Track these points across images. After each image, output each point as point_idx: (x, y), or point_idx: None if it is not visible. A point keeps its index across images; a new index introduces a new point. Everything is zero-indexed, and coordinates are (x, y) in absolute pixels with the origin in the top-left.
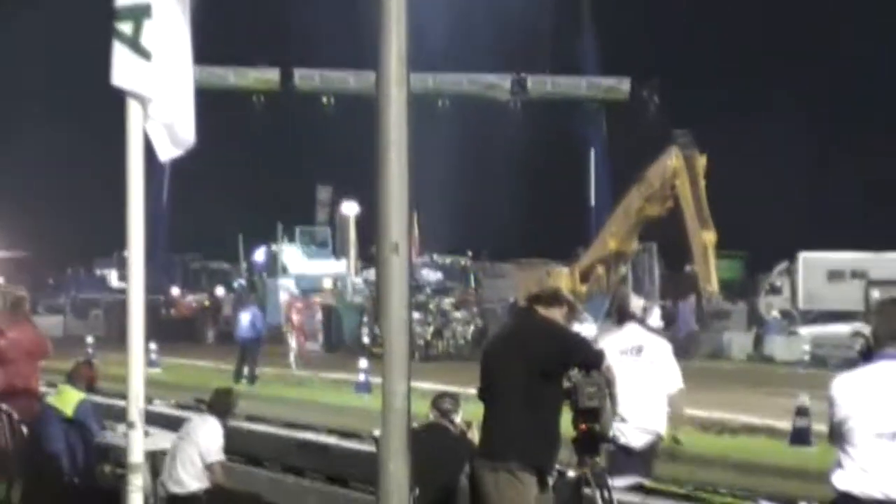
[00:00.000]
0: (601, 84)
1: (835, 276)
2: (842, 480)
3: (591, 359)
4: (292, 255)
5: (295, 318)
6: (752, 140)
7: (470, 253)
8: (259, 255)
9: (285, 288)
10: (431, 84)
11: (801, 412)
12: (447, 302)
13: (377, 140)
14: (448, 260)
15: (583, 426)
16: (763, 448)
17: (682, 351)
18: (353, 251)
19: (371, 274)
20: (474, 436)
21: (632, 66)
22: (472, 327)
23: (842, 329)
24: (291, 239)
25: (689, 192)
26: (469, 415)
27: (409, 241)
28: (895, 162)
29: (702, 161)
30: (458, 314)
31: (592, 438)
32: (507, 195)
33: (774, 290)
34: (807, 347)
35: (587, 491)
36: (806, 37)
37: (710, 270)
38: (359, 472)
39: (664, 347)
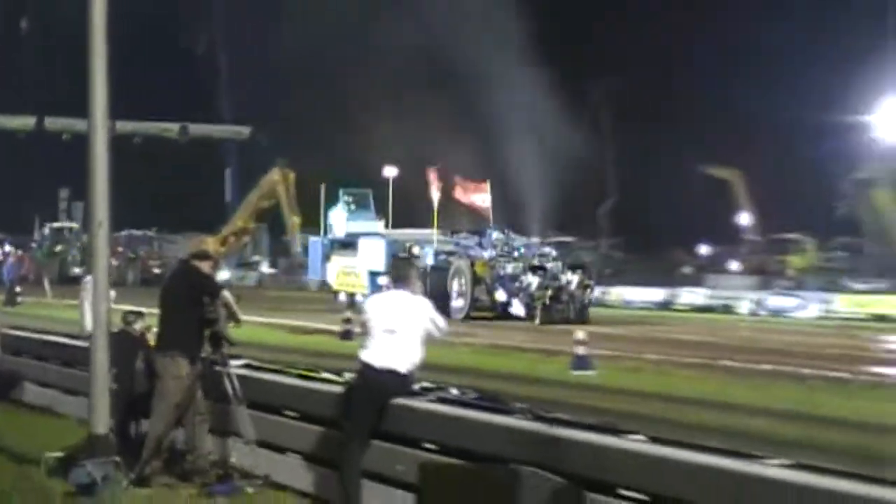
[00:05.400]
0: (232, 129)
1: None
2: (364, 356)
3: (213, 291)
4: (338, 216)
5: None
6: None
7: (155, 228)
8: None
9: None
10: (129, 127)
11: (347, 322)
12: (556, 264)
13: (89, 160)
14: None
15: (210, 330)
16: (321, 342)
17: None
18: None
19: (463, 239)
20: (151, 337)
21: (254, 114)
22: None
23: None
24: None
25: (285, 194)
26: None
27: (108, 219)
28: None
29: (292, 176)
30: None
31: (216, 337)
32: (181, 196)
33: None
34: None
35: (218, 368)
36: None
37: (296, 240)
38: (81, 359)
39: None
